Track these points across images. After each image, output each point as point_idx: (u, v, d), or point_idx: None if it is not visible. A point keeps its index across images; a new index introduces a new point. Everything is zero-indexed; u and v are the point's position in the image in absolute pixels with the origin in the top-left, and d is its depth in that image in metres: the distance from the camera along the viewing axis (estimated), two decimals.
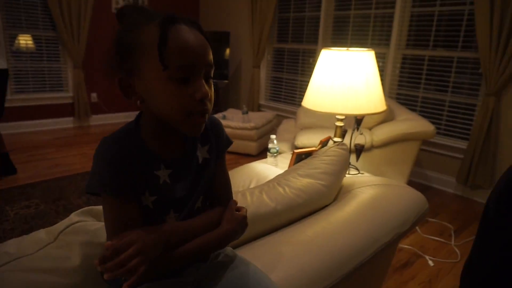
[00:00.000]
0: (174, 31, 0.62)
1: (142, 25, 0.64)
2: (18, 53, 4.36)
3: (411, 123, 2.72)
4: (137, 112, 0.73)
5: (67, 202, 2.65)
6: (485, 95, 2.91)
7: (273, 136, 1.99)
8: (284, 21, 4.71)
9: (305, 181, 1.13)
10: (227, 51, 4.94)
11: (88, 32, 4.61)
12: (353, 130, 2.07)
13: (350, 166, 1.90)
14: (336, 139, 1.80)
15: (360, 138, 2.02)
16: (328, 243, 0.94)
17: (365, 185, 1.25)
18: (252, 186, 1.62)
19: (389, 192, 1.23)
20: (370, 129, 2.74)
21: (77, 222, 0.75)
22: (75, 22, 4.45)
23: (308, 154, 1.70)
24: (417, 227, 2.48)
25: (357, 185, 1.26)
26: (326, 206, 1.17)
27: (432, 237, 2.40)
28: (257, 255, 0.88)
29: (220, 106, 5.24)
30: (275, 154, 1.95)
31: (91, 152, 3.83)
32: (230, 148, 0.85)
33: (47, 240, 0.71)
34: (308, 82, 1.82)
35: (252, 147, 3.90)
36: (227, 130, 0.83)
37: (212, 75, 0.69)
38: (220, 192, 0.83)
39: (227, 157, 0.85)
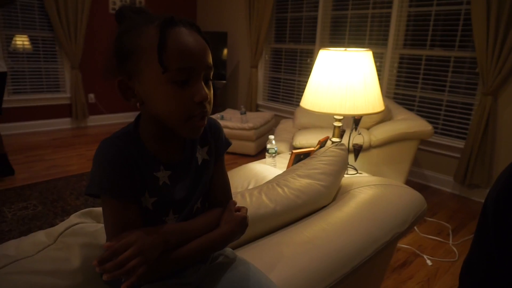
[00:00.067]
0: (174, 34, 0.62)
1: (141, 27, 0.64)
2: (15, 54, 4.34)
3: (409, 123, 2.73)
4: (135, 113, 0.73)
5: (65, 203, 2.64)
6: (482, 95, 2.93)
7: (271, 137, 1.99)
8: (281, 21, 4.72)
9: (304, 181, 1.13)
10: (225, 51, 4.94)
11: (85, 32, 4.60)
12: (351, 130, 2.08)
13: (349, 166, 1.91)
14: (334, 139, 1.80)
15: (358, 138, 2.03)
16: (328, 244, 0.95)
17: (364, 185, 1.26)
18: (251, 186, 1.62)
19: (388, 192, 1.23)
20: (368, 129, 2.74)
21: (76, 223, 0.75)
22: (72, 23, 4.43)
23: (307, 155, 1.70)
24: (415, 227, 2.49)
25: (356, 185, 1.26)
26: (325, 206, 1.17)
27: (430, 237, 2.41)
28: (256, 256, 0.88)
29: (218, 106, 5.24)
30: (273, 155, 1.95)
31: (89, 153, 3.84)
32: (229, 148, 0.86)
33: (47, 242, 0.71)
34: (305, 82, 1.83)
35: (250, 147, 3.90)
36: (225, 131, 0.84)
37: (211, 77, 0.69)
38: (219, 193, 0.83)
39: (226, 157, 0.85)
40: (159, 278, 0.70)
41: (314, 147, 1.77)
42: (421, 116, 3.14)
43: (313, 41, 4.35)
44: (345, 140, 1.99)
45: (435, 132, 3.28)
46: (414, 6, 3.42)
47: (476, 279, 0.69)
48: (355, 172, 1.97)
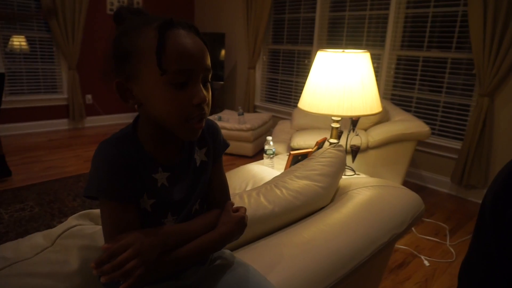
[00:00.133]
0: (172, 36, 0.62)
1: (139, 29, 0.64)
2: (12, 55, 4.32)
3: (406, 124, 2.74)
4: (132, 114, 0.74)
5: (62, 205, 2.63)
6: (478, 96, 2.94)
7: (269, 138, 1.99)
8: (279, 22, 4.72)
9: (302, 183, 1.13)
10: (222, 52, 4.94)
11: (83, 33, 4.59)
12: (349, 131, 2.08)
13: (346, 167, 1.91)
14: (332, 140, 1.81)
15: (356, 139, 2.03)
16: (326, 245, 0.95)
17: (362, 186, 1.26)
18: (248, 188, 1.62)
19: (386, 193, 1.24)
20: (365, 130, 2.75)
21: (74, 226, 0.74)
22: (69, 23, 4.42)
23: (305, 156, 1.71)
24: (412, 227, 2.50)
25: (354, 187, 1.26)
26: (323, 207, 1.17)
27: (428, 237, 2.41)
28: (255, 257, 0.88)
29: (216, 107, 5.24)
30: (271, 156, 1.96)
31: (86, 154, 3.83)
32: (226, 150, 0.86)
33: (45, 244, 0.71)
34: (303, 83, 1.83)
35: (248, 148, 3.90)
36: (223, 132, 0.84)
37: (209, 79, 0.69)
38: (217, 194, 0.83)
39: (223, 158, 0.85)
40: (157, 280, 0.70)
41: (312, 148, 1.78)
42: (418, 117, 3.15)
43: (310, 42, 4.35)
44: (342, 141, 1.99)
45: (432, 133, 3.30)
46: (411, 7, 3.44)
47: (475, 279, 0.69)
48: (353, 173, 1.97)
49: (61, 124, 4.77)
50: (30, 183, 2.97)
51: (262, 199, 1.02)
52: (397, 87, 3.63)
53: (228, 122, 3.94)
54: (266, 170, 1.81)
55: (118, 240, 0.62)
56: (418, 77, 3.44)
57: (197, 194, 0.77)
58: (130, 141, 0.69)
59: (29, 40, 4.39)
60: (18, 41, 4.34)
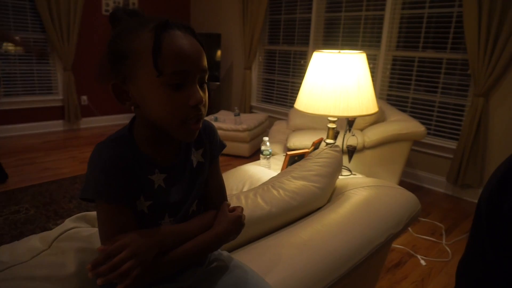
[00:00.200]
0: (168, 37, 0.62)
1: (135, 31, 0.64)
2: (7, 56, 4.30)
3: (402, 124, 2.75)
4: (128, 115, 0.73)
5: (57, 207, 2.61)
6: (473, 96, 2.96)
7: (266, 138, 2.00)
8: (275, 23, 4.73)
9: (299, 183, 1.13)
10: (218, 53, 4.94)
11: (78, 34, 4.56)
12: (345, 131, 2.09)
13: (343, 167, 1.91)
14: (328, 140, 1.81)
15: (352, 139, 2.04)
16: (323, 245, 0.95)
17: (358, 186, 1.26)
18: (245, 188, 1.62)
19: (382, 194, 1.24)
20: (361, 130, 2.76)
21: (71, 228, 0.74)
22: (64, 24, 4.40)
23: (301, 156, 1.71)
24: (409, 227, 2.51)
25: (350, 187, 1.27)
26: (320, 208, 1.17)
27: (424, 237, 2.43)
28: (252, 258, 0.88)
29: (212, 108, 5.23)
30: (268, 156, 1.96)
31: (82, 155, 3.81)
32: (223, 150, 0.86)
33: (41, 247, 0.71)
34: (299, 83, 1.84)
35: (244, 148, 3.90)
36: (219, 132, 0.84)
37: (206, 80, 0.69)
38: (214, 195, 0.83)
39: (220, 159, 0.85)
40: (155, 282, 0.70)
41: (309, 149, 1.78)
42: (414, 117, 3.16)
43: (306, 43, 4.36)
44: (339, 142, 2.00)
45: (428, 133, 3.31)
46: (406, 8, 3.46)
47: (472, 278, 0.70)
48: (349, 173, 1.98)
49: (56, 126, 4.75)
50: (25, 185, 2.95)
51: (259, 200, 1.02)
52: (393, 87, 3.64)
53: (225, 123, 3.94)
54: (263, 170, 1.82)
55: (114, 241, 0.62)
56: (413, 78, 3.46)
57: (194, 195, 0.77)
58: (126, 143, 0.69)
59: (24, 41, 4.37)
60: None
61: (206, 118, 0.71)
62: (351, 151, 2.04)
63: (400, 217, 1.17)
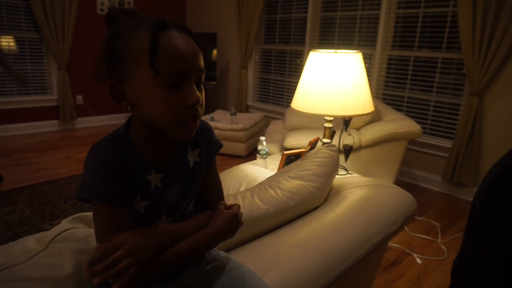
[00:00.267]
0: (165, 37, 0.62)
1: (132, 30, 0.64)
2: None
3: (398, 123, 2.76)
4: (123, 115, 0.73)
5: (53, 207, 2.60)
6: (468, 95, 2.98)
7: (262, 138, 2.00)
8: (271, 22, 4.73)
9: (296, 183, 1.13)
10: (214, 52, 4.93)
11: (73, 33, 4.54)
12: (342, 131, 2.09)
13: (339, 166, 1.92)
14: (325, 140, 1.81)
15: (349, 138, 2.04)
16: (320, 245, 0.95)
17: (355, 186, 1.27)
18: (242, 188, 1.62)
19: (379, 193, 1.25)
20: (358, 129, 2.77)
21: (68, 229, 0.74)
22: (59, 23, 4.37)
23: (298, 156, 1.71)
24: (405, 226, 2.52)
25: (347, 186, 1.27)
26: (317, 207, 1.18)
27: (420, 235, 2.44)
28: (250, 258, 0.88)
29: (208, 107, 5.22)
30: (264, 156, 1.96)
31: (77, 155, 3.79)
32: (220, 150, 0.86)
33: (38, 249, 0.70)
34: (295, 83, 1.84)
35: (241, 148, 3.90)
36: (215, 132, 0.83)
37: (203, 80, 0.69)
38: (211, 195, 0.83)
39: (216, 158, 0.85)
40: (152, 282, 0.70)
41: (305, 148, 1.78)
42: (410, 116, 3.18)
43: (302, 42, 4.37)
44: (335, 141, 2.00)
45: (423, 132, 3.33)
46: (402, 8, 3.47)
47: (468, 276, 0.70)
48: (346, 172, 1.98)
49: (51, 126, 4.72)
50: (20, 186, 2.93)
51: (256, 199, 1.02)
52: (389, 86, 3.66)
53: (221, 122, 3.93)
54: (260, 170, 1.82)
55: (111, 240, 0.61)
56: (409, 77, 3.47)
57: (191, 195, 0.77)
58: (123, 143, 0.69)
59: (18, 41, 4.33)
60: (7, 42, 4.28)
61: (202, 118, 0.71)
62: (347, 150, 2.04)
63: (397, 216, 1.17)
